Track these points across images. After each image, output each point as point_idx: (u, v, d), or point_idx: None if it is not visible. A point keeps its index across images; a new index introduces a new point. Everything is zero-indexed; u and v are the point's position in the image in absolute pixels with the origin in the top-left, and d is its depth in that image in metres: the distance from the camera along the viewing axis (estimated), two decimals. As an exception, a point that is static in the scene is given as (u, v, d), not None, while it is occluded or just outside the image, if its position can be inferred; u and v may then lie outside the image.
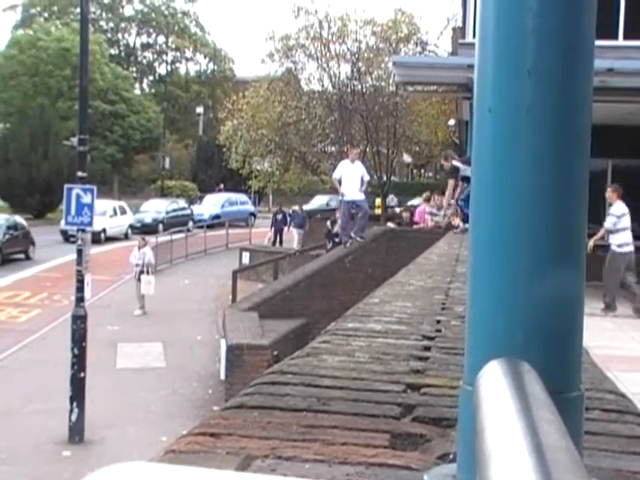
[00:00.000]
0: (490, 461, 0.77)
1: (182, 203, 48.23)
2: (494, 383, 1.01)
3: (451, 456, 1.43)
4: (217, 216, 45.34)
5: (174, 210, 45.68)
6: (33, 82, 55.86)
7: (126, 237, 39.56)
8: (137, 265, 22.97)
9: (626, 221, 13.02)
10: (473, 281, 1.24)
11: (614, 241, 13.05)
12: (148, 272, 22.71)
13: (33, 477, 11.09)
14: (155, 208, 45.43)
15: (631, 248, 13.07)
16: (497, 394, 0.96)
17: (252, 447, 1.48)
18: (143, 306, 22.49)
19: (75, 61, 49.89)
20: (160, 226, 41.80)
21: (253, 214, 48.16)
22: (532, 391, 0.94)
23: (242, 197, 50.81)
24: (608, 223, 13.06)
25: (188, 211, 46.62)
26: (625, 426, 1.79)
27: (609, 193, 13.29)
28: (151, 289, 22.43)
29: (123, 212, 41.92)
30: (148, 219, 43.74)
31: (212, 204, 48.79)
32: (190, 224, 41.91)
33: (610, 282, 12.77)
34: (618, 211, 12.99)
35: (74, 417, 13.16)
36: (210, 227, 39.27)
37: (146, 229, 39.62)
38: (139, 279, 22.60)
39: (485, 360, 1.11)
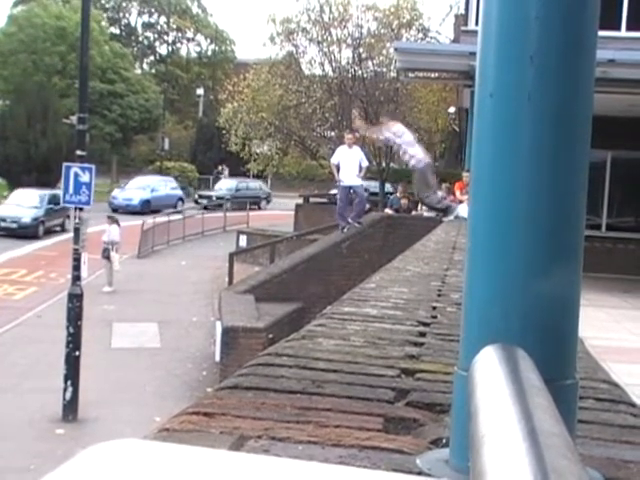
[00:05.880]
0: (483, 446, 0.77)
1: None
2: (489, 368, 1.01)
3: (444, 441, 1.43)
4: (147, 201, 41.69)
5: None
6: (32, 59, 55.60)
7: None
8: (105, 243, 23.23)
9: None
10: (470, 267, 1.24)
11: None
12: (113, 249, 23.06)
13: (26, 454, 11.11)
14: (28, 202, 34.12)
15: None
16: (492, 379, 0.96)
17: (246, 427, 1.48)
18: (111, 283, 22.78)
19: (72, 39, 49.65)
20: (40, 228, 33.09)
21: (181, 199, 44.99)
22: (527, 377, 0.94)
23: (171, 181, 46.39)
24: None
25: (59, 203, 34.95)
26: (617, 415, 1.80)
27: None
28: (117, 265, 22.98)
29: None
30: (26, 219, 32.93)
31: (140, 188, 43.37)
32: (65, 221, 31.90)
33: None
34: None
35: (68, 395, 13.20)
36: (139, 214, 35.45)
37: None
38: (107, 257, 22.90)
39: (480, 346, 1.11)
